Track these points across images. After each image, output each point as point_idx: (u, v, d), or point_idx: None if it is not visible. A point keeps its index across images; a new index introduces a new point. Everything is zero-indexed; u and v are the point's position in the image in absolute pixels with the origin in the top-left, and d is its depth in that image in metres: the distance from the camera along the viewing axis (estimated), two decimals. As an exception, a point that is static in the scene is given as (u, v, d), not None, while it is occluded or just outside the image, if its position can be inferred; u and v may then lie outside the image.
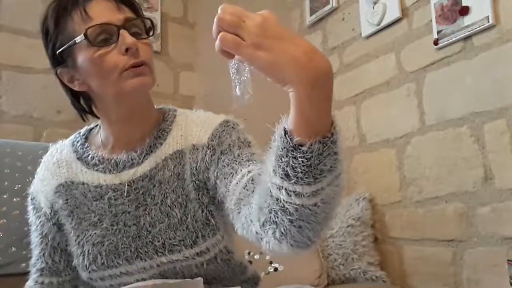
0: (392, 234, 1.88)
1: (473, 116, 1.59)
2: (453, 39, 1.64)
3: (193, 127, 0.88)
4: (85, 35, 0.76)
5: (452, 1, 1.65)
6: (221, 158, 0.82)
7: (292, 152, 0.54)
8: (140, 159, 0.86)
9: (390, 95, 1.93)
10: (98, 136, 0.92)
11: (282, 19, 2.74)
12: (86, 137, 0.94)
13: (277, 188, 0.58)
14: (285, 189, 0.57)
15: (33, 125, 1.82)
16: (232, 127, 0.86)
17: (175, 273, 0.84)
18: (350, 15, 2.17)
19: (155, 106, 0.93)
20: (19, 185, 1.45)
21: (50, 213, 0.90)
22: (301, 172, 0.55)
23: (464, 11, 1.61)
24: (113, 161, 0.87)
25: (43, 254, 0.90)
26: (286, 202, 0.57)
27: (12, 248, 1.36)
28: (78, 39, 0.77)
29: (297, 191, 0.56)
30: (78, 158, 0.90)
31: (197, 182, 0.84)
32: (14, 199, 1.42)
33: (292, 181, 0.55)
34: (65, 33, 0.80)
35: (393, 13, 1.90)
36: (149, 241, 0.83)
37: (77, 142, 0.93)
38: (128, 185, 0.85)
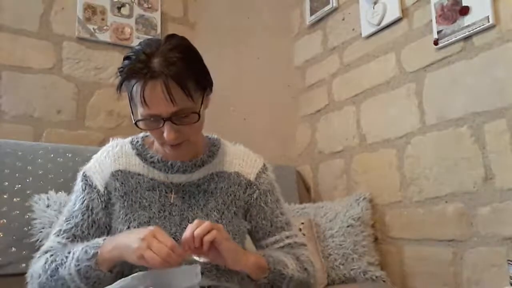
0: (392, 234, 1.88)
1: (473, 116, 1.59)
2: (453, 39, 1.64)
3: (236, 157, 1.11)
4: (136, 122, 0.93)
5: (452, 1, 1.65)
6: (259, 204, 1.08)
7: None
8: (192, 168, 1.05)
9: (390, 95, 1.93)
10: (155, 143, 1.05)
11: (282, 19, 2.75)
12: (144, 140, 1.10)
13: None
14: None
15: (33, 125, 1.82)
16: (269, 174, 1.13)
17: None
18: (350, 15, 2.17)
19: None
20: (19, 185, 1.45)
21: (103, 191, 1.03)
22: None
23: (464, 11, 1.61)
24: (169, 163, 1.04)
25: (82, 224, 1.01)
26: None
27: (12, 248, 1.36)
28: (134, 117, 0.94)
29: None
30: (137, 154, 1.06)
31: (236, 202, 1.06)
32: (14, 199, 1.42)
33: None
34: (129, 91, 0.93)
35: (393, 13, 1.90)
36: None
37: (136, 142, 1.09)
38: (177, 187, 1.03)
